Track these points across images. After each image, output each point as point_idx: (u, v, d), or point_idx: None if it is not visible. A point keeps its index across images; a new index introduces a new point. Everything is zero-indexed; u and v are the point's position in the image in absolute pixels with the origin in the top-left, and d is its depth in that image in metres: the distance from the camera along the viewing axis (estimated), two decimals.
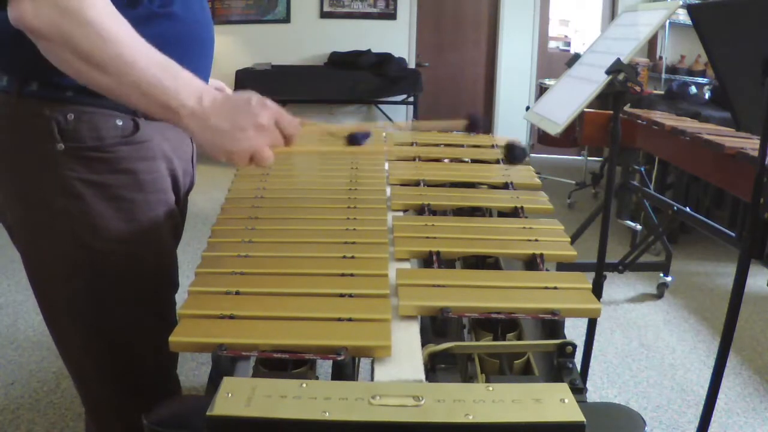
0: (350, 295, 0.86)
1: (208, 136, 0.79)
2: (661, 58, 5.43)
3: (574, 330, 2.15)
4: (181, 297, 0.89)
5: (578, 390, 0.74)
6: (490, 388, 0.62)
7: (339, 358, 0.72)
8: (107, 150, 0.90)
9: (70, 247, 0.93)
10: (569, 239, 1.12)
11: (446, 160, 1.63)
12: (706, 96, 4.22)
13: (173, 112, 0.77)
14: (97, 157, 0.90)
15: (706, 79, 5.03)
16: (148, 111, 0.79)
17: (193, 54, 0.99)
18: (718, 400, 1.51)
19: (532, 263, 1.04)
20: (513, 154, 1.32)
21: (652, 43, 5.47)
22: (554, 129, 1.73)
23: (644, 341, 2.56)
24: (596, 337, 1.93)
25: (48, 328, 1.02)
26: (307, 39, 5.84)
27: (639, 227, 3.31)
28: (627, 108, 3.10)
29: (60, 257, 0.94)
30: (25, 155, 0.89)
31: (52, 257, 0.95)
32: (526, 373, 0.87)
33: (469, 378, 0.88)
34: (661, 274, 3.01)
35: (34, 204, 0.92)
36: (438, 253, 1.03)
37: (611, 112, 1.74)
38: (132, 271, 0.97)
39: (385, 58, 5.59)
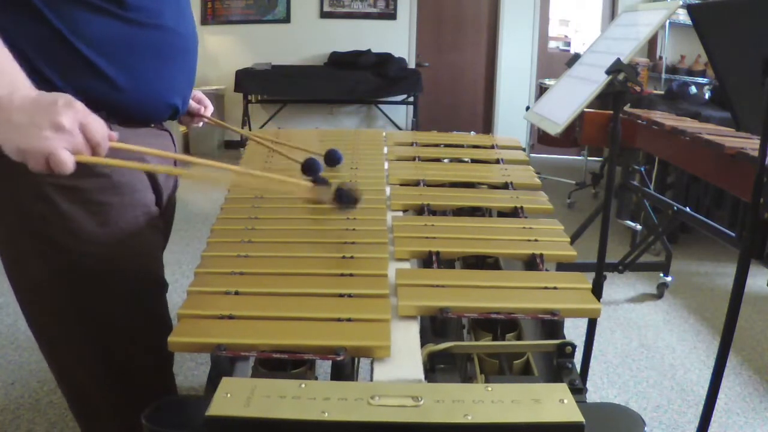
0: (350, 295, 0.86)
1: (5, 131, 0.74)
2: (661, 58, 5.43)
3: (574, 330, 2.14)
4: (180, 297, 0.89)
5: (578, 390, 0.74)
6: (489, 389, 0.62)
7: (338, 359, 0.72)
8: None
9: (47, 251, 0.93)
10: (569, 239, 1.12)
11: (446, 160, 1.63)
12: (706, 96, 4.22)
13: None
14: None
15: (706, 79, 5.02)
16: None
17: (165, 60, 0.98)
18: (718, 400, 1.51)
19: (531, 263, 1.04)
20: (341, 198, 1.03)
21: (652, 43, 5.47)
22: (554, 129, 1.73)
23: (644, 341, 2.56)
24: (596, 337, 1.93)
25: (34, 335, 1.01)
26: (307, 39, 5.84)
27: (639, 227, 3.31)
28: (627, 108, 3.10)
29: (38, 262, 0.94)
30: None
31: (31, 262, 0.95)
32: (525, 374, 0.87)
33: (468, 378, 0.88)
34: (661, 274, 3.01)
35: (9, 208, 0.92)
36: (438, 253, 1.03)
37: (611, 112, 1.74)
38: (112, 273, 0.97)
39: (385, 58, 5.60)
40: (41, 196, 0.90)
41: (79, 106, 0.76)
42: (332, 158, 1.43)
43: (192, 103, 1.29)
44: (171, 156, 1.03)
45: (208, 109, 1.33)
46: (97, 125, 0.77)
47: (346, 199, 1.00)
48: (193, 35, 1.06)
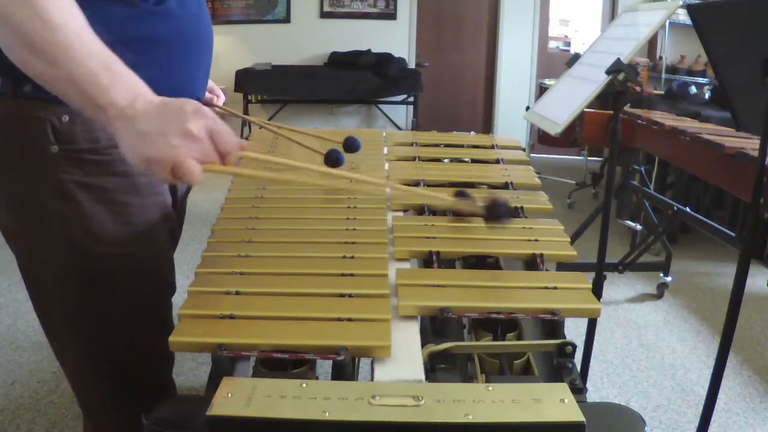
0: (350, 295, 0.86)
1: (130, 140, 0.71)
2: (661, 58, 5.43)
3: (574, 330, 2.15)
4: (180, 297, 0.89)
5: (578, 390, 0.74)
6: (490, 388, 0.62)
7: (339, 358, 0.72)
8: (102, 152, 0.90)
9: (64, 250, 0.92)
10: (569, 239, 1.12)
11: (446, 160, 1.63)
12: (706, 96, 4.22)
13: (102, 110, 0.71)
14: (92, 160, 0.89)
15: (706, 79, 5.03)
16: (80, 106, 0.73)
17: (189, 52, 0.98)
18: (718, 400, 1.51)
19: (532, 263, 1.04)
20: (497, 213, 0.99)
21: (652, 43, 5.47)
22: (554, 129, 1.73)
23: (644, 341, 2.56)
24: (596, 337, 1.93)
25: (44, 330, 1.01)
26: (307, 39, 5.84)
27: (639, 227, 3.31)
28: (627, 108, 3.10)
29: (54, 261, 0.93)
30: (20, 157, 0.89)
31: (47, 261, 0.94)
32: (525, 373, 0.87)
33: (468, 378, 0.88)
34: (661, 274, 3.01)
35: (29, 206, 0.92)
36: (438, 253, 1.03)
37: (611, 112, 1.74)
38: (128, 274, 0.97)
39: (385, 58, 5.60)
40: (64, 194, 0.89)
41: (208, 112, 0.72)
42: (351, 145, 1.42)
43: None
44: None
45: (220, 99, 1.31)
46: (228, 133, 0.74)
47: (503, 213, 0.96)
48: (210, 26, 1.05)
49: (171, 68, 0.96)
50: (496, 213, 0.96)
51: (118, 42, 0.87)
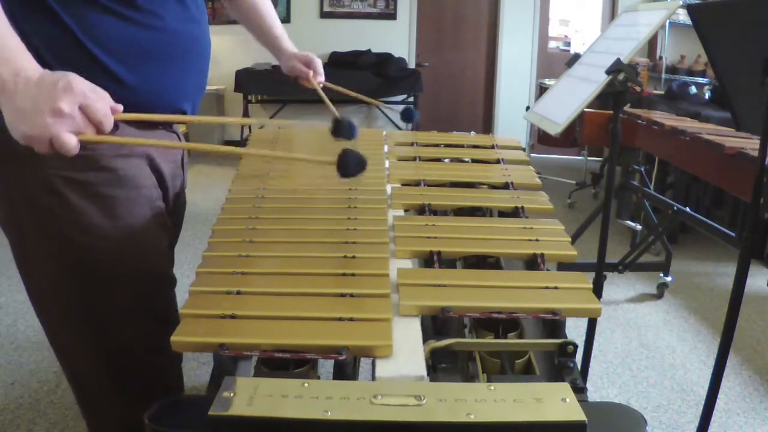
0: (351, 295, 0.86)
1: (11, 115, 0.75)
2: (661, 58, 5.43)
3: (575, 330, 2.14)
4: (182, 296, 0.89)
5: (579, 389, 0.74)
6: (492, 388, 0.62)
7: (340, 358, 0.72)
8: (87, 147, 0.91)
9: (55, 245, 0.94)
10: (569, 239, 1.12)
11: (447, 160, 1.63)
12: (706, 96, 4.23)
13: None
14: (77, 155, 0.90)
15: (706, 79, 5.03)
16: None
17: (176, 59, 0.99)
18: (718, 400, 1.51)
19: (532, 263, 1.04)
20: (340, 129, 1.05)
21: (652, 43, 5.47)
22: (554, 129, 1.73)
23: (644, 341, 2.56)
24: (596, 337, 1.93)
25: (43, 327, 1.02)
26: (307, 39, 5.83)
27: (639, 227, 3.31)
28: (627, 108, 3.10)
29: (46, 255, 0.95)
30: (8, 152, 0.89)
31: (39, 255, 0.95)
32: (527, 373, 0.87)
33: (470, 377, 0.88)
34: (661, 274, 3.01)
35: (20, 200, 0.93)
36: (439, 253, 1.03)
37: (611, 112, 1.74)
38: (119, 268, 0.98)
39: (385, 58, 5.60)
40: (52, 189, 0.91)
41: (78, 87, 0.76)
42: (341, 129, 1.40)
43: (299, 66, 1.33)
44: (177, 146, 1.03)
45: (319, 75, 1.32)
46: (98, 104, 0.77)
47: (353, 164, 0.96)
48: (203, 39, 1.06)
49: (155, 79, 0.97)
50: (346, 166, 0.96)
51: (104, 50, 0.89)
